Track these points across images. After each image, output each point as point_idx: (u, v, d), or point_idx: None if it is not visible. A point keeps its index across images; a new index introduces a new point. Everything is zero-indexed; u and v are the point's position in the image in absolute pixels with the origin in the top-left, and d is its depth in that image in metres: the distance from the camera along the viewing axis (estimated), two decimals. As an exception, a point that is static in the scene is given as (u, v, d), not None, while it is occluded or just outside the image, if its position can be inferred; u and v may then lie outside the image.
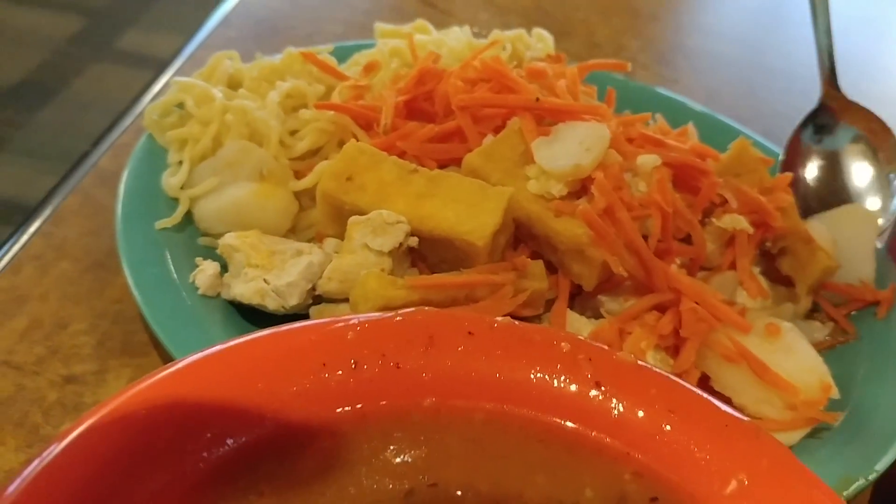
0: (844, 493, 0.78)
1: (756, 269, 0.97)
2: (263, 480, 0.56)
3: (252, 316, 0.87)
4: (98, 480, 0.51)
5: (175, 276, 0.89)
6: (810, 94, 1.73)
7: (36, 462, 0.50)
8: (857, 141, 1.18)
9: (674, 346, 0.86)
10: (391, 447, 0.59)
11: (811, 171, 1.17)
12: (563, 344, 0.64)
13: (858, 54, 1.85)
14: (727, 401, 0.85)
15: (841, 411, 0.87)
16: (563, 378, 0.63)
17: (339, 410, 0.60)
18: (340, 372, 0.61)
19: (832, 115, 1.19)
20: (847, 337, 0.98)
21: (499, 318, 0.65)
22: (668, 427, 0.61)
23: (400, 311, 0.64)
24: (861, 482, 0.79)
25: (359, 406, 0.61)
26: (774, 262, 1.01)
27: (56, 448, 0.51)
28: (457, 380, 0.63)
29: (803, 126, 1.21)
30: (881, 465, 0.81)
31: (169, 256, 0.91)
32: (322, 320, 0.63)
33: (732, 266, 0.97)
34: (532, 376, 0.63)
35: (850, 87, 1.23)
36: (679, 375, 0.81)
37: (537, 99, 0.94)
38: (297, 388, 0.59)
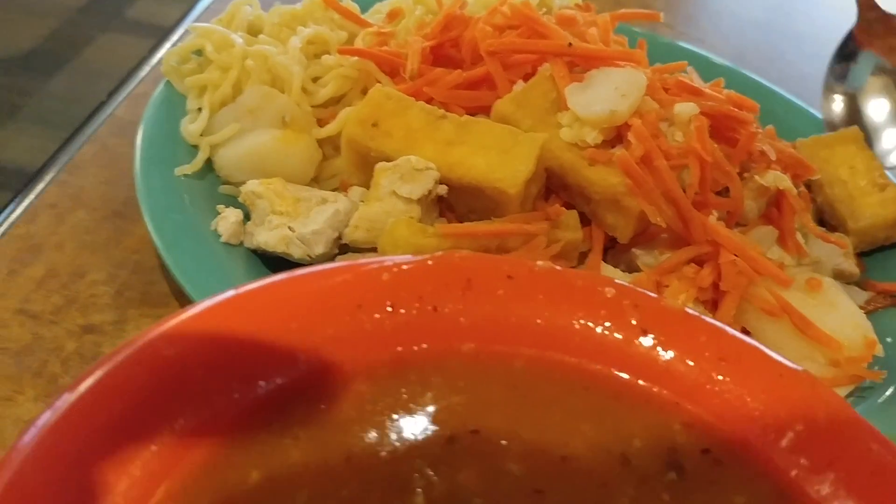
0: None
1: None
2: (298, 424, 0.53)
3: (276, 265, 0.85)
4: (120, 424, 0.48)
5: (197, 223, 0.86)
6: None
7: (50, 412, 0.48)
8: (877, 73, 1.16)
9: (712, 301, 0.83)
10: (429, 393, 0.57)
11: (835, 113, 1.17)
12: (606, 289, 0.61)
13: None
14: (767, 356, 0.82)
15: (885, 370, 0.84)
16: (607, 325, 0.60)
17: (375, 354, 0.57)
18: (377, 315, 0.58)
19: (856, 43, 1.17)
20: (890, 301, 0.95)
21: (539, 263, 0.62)
22: (720, 376, 0.58)
23: (435, 254, 0.61)
24: (906, 442, 0.76)
25: (396, 350, 0.58)
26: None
27: (72, 395, 0.48)
28: (496, 325, 0.60)
29: (833, 62, 1.20)
30: (926, 424, 0.79)
31: (190, 204, 0.88)
32: (356, 261, 0.60)
33: (769, 221, 0.94)
34: (574, 322, 0.61)
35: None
36: (718, 330, 0.78)
37: (570, 44, 0.91)
38: (332, 330, 0.57)
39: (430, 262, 0.60)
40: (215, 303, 0.55)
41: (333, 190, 0.91)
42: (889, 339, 0.90)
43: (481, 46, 0.93)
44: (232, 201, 0.90)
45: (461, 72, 0.93)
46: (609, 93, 0.86)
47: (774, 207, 0.94)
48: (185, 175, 0.91)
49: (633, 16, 1.06)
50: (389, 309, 0.58)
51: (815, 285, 0.84)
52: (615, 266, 0.87)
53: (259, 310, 0.56)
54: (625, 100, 0.85)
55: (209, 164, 0.93)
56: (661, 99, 0.89)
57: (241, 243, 0.85)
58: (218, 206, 0.87)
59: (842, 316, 0.83)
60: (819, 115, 1.24)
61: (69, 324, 0.83)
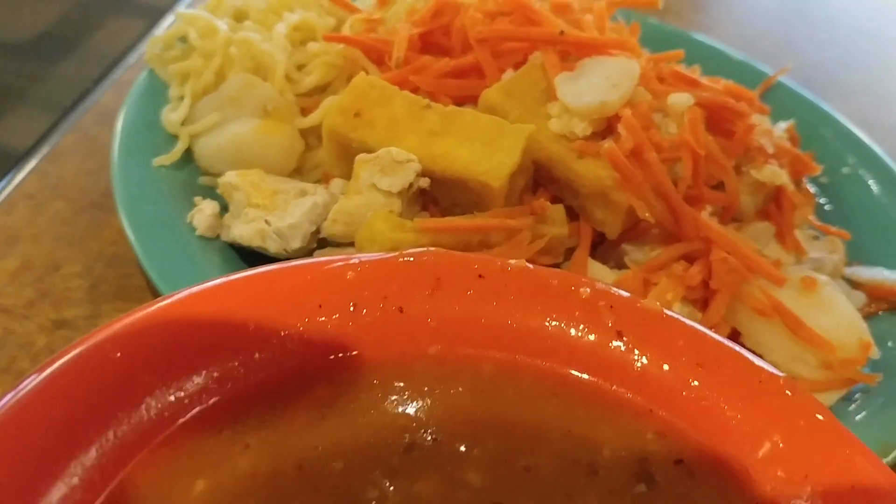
0: (883, 461, 0.72)
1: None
2: (250, 431, 0.51)
3: (253, 260, 0.82)
4: (60, 430, 0.46)
5: (173, 215, 0.84)
6: (850, 47, 1.65)
7: (9, 396, 0.46)
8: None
9: (702, 299, 0.80)
10: (392, 398, 0.54)
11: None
12: (582, 290, 0.58)
13: None
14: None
15: (881, 372, 0.81)
16: (581, 327, 0.58)
17: (335, 357, 0.55)
18: (338, 315, 0.55)
19: None
20: (888, 304, 0.91)
21: (512, 261, 0.59)
22: (696, 382, 0.55)
23: (405, 252, 0.58)
24: (902, 448, 0.73)
25: (357, 352, 0.55)
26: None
27: (13, 396, 0.46)
28: (465, 326, 0.57)
29: None
30: (922, 431, 0.76)
31: (168, 195, 0.86)
32: (320, 259, 0.57)
33: (768, 218, 0.91)
34: (547, 324, 0.58)
35: None
36: (707, 330, 0.75)
37: (561, 32, 0.88)
38: (291, 331, 0.54)
39: (397, 260, 0.58)
40: (167, 303, 0.53)
41: (316, 181, 0.89)
42: (890, 343, 0.86)
43: (470, 34, 0.90)
44: (212, 193, 0.87)
45: (449, 60, 0.90)
46: (600, 83, 0.83)
47: (773, 203, 0.91)
48: (165, 166, 0.88)
49: (630, 2, 1.03)
50: (352, 309, 0.56)
51: (810, 284, 0.81)
52: (604, 262, 0.84)
53: (213, 310, 0.53)
54: (616, 90, 0.82)
55: (190, 155, 0.91)
56: (654, 89, 0.86)
57: (218, 236, 0.83)
58: (196, 197, 0.85)
59: (837, 317, 0.79)
60: (826, 107, 1.21)
61: (41, 318, 0.81)
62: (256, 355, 0.53)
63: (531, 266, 0.59)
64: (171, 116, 0.91)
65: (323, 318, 0.55)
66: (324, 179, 0.88)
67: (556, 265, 0.82)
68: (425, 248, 0.59)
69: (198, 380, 0.51)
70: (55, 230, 0.90)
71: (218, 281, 0.55)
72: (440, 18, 0.96)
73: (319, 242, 0.82)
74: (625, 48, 0.87)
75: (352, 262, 0.57)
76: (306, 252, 0.81)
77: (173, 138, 0.91)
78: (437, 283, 0.58)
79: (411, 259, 0.58)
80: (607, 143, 0.79)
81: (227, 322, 0.53)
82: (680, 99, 0.85)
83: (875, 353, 0.79)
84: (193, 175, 0.90)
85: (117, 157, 0.87)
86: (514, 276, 0.59)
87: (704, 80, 0.91)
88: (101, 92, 1.10)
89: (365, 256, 0.58)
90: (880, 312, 0.90)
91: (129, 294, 0.85)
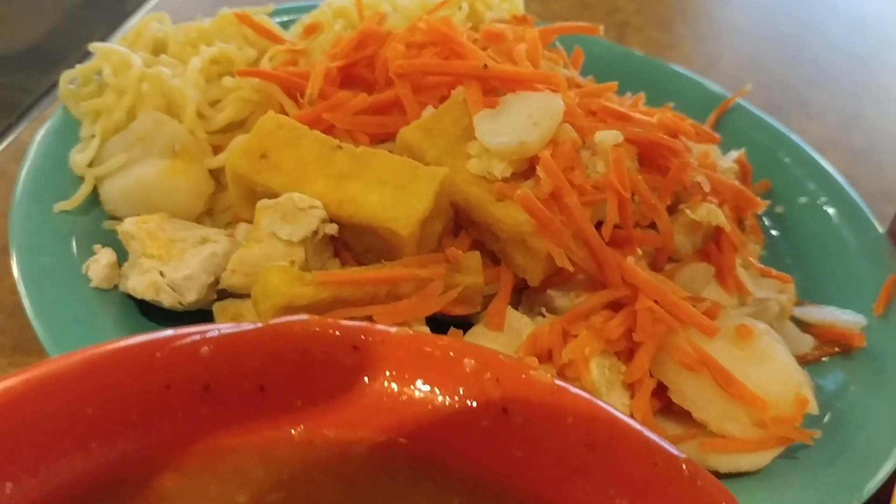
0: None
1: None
2: (81, 531, 0.46)
3: (153, 312, 0.78)
4: None
5: (71, 265, 0.79)
6: (821, 63, 1.60)
7: None
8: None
9: (628, 350, 0.75)
10: (245, 490, 0.49)
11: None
12: (466, 360, 0.53)
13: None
14: (686, 415, 0.74)
15: (821, 428, 0.76)
16: (463, 403, 0.53)
17: (186, 443, 0.50)
18: (189, 397, 0.51)
19: None
20: (838, 348, 0.86)
21: (392, 329, 0.54)
22: (583, 466, 0.51)
23: (270, 322, 0.53)
24: (842, 512, 0.68)
25: (210, 439, 0.51)
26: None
27: None
28: (335, 405, 0.52)
29: None
30: (867, 491, 0.70)
31: (70, 243, 0.81)
32: (172, 332, 0.52)
33: (707, 258, 0.86)
34: (426, 402, 0.53)
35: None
36: (632, 385, 0.71)
37: (485, 66, 0.83)
38: (135, 415, 0.50)
39: (260, 332, 0.53)
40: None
41: (227, 224, 0.84)
42: (838, 404, 0.81)
43: (390, 67, 0.86)
44: (118, 239, 0.82)
45: (366, 96, 0.86)
46: (520, 121, 0.78)
47: (713, 243, 0.86)
48: (68, 211, 0.84)
49: (569, 29, 0.98)
50: (204, 390, 0.51)
51: (745, 334, 0.76)
52: (530, 309, 0.79)
53: (46, 398, 0.48)
54: (536, 129, 0.77)
55: (98, 198, 0.86)
56: (581, 126, 0.81)
57: (117, 287, 0.78)
58: (95, 245, 0.80)
59: (773, 370, 0.74)
60: (787, 131, 1.15)
61: (-74, 376, 0.76)
62: (93, 445, 0.48)
63: (412, 333, 0.54)
64: (77, 157, 0.87)
65: (171, 400, 0.50)
66: (234, 223, 0.84)
67: (474, 315, 0.77)
68: (293, 317, 0.54)
69: (24, 479, 0.47)
70: (-45, 279, 0.85)
71: (58, 362, 0.50)
72: (363, 50, 0.91)
73: (220, 293, 0.77)
74: (551, 83, 0.82)
75: (209, 335, 0.52)
76: (206, 303, 0.76)
77: (81, 181, 0.86)
78: (305, 357, 0.53)
79: (276, 330, 0.53)
80: (521, 189, 0.74)
81: (62, 411, 0.48)
82: (607, 136, 0.79)
83: (813, 408, 0.74)
84: (100, 220, 0.85)
85: (18, 200, 0.82)
86: (393, 346, 0.54)
87: (638, 114, 0.86)
88: (22, 128, 1.05)
89: (225, 328, 0.53)
90: (825, 359, 0.85)
91: (28, 347, 0.80)
